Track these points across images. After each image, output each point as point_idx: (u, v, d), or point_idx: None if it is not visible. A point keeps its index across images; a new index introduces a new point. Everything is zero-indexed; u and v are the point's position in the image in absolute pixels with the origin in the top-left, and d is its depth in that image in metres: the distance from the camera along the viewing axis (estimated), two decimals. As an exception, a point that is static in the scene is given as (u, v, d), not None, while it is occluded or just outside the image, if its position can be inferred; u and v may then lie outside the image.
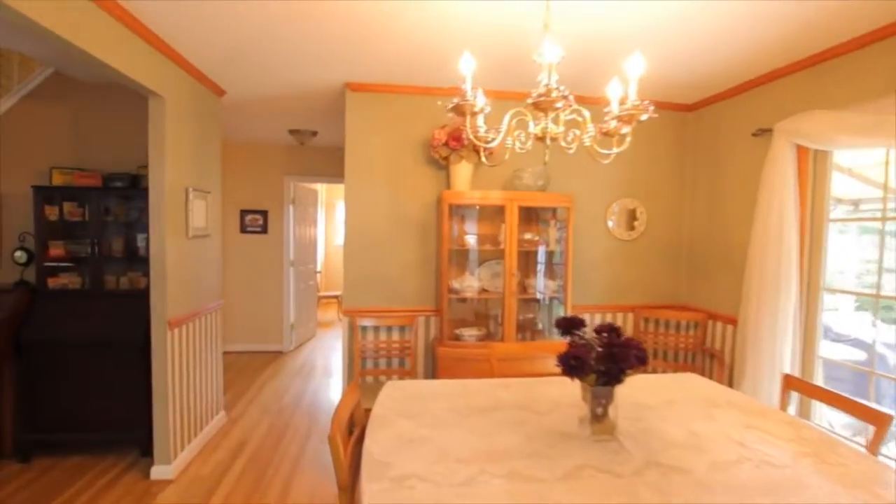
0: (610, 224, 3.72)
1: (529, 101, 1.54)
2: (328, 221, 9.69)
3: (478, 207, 3.47)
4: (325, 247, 9.53)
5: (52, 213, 3.28)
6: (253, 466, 3.09)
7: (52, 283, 3.27)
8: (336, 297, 8.44)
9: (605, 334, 1.66)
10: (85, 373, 3.06)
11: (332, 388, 4.66)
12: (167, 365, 2.84)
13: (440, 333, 3.16)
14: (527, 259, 3.46)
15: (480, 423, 1.74)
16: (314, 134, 5.04)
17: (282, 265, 5.99)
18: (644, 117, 1.51)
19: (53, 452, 3.13)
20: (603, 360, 1.52)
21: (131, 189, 3.30)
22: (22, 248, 3.32)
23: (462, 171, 3.20)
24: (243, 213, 5.90)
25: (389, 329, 3.49)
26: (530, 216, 3.47)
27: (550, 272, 3.62)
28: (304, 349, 6.24)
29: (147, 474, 2.90)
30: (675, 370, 3.58)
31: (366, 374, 3.42)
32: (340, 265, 9.58)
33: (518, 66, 2.90)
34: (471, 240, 3.37)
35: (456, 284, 3.22)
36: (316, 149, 5.86)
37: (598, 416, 1.62)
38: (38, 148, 3.40)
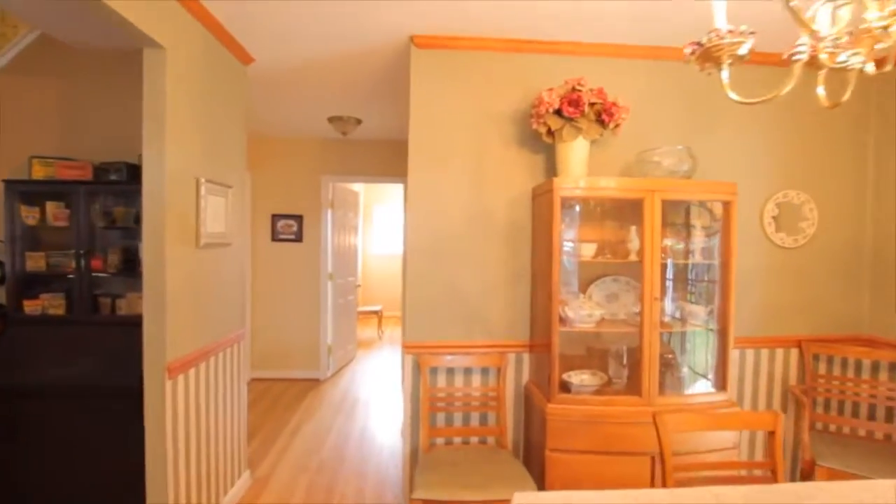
0: (767, 226, 2.70)
1: None
2: (365, 228, 8.88)
3: (578, 207, 2.51)
4: (362, 256, 8.71)
5: (30, 214, 2.52)
6: (285, 566, 2.21)
7: (30, 307, 2.51)
8: (376, 312, 7.59)
9: None
10: (68, 431, 2.28)
11: (382, 434, 3.75)
12: (165, 428, 1.98)
13: (548, 381, 2.20)
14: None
15: None
16: (358, 122, 4.20)
17: (318, 278, 5.16)
18: None
19: (27, 533, 2.35)
20: None
21: (130, 184, 2.51)
22: (-5, 262, 2.58)
23: (577, 151, 2.25)
24: (275, 217, 5.11)
25: (467, 371, 2.56)
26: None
27: (683, 291, 2.63)
28: (343, 375, 5.38)
29: (140, 577, 2.05)
30: (887, 434, 2.53)
31: (436, 433, 2.50)
32: (378, 276, 8.92)
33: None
34: (577, 248, 2.42)
35: (570, 312, 2.26)
36: (359, 142, 5.02)
37: None
38: (17, 133, 2.66)
